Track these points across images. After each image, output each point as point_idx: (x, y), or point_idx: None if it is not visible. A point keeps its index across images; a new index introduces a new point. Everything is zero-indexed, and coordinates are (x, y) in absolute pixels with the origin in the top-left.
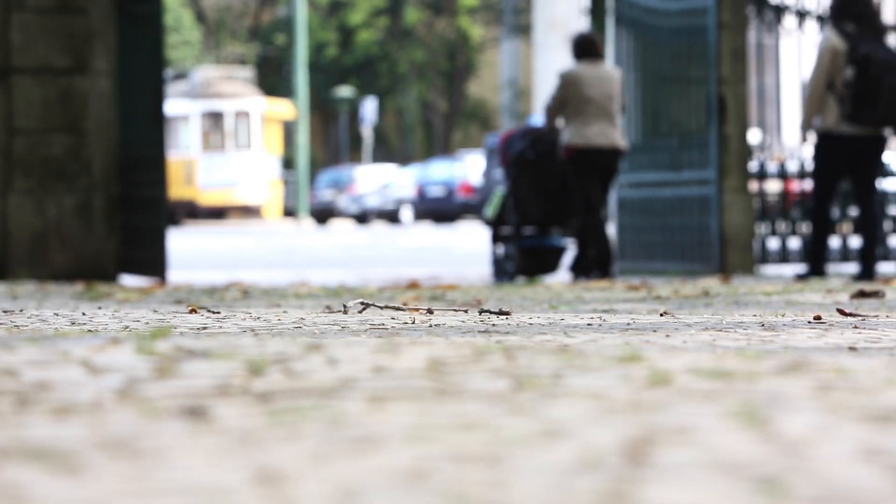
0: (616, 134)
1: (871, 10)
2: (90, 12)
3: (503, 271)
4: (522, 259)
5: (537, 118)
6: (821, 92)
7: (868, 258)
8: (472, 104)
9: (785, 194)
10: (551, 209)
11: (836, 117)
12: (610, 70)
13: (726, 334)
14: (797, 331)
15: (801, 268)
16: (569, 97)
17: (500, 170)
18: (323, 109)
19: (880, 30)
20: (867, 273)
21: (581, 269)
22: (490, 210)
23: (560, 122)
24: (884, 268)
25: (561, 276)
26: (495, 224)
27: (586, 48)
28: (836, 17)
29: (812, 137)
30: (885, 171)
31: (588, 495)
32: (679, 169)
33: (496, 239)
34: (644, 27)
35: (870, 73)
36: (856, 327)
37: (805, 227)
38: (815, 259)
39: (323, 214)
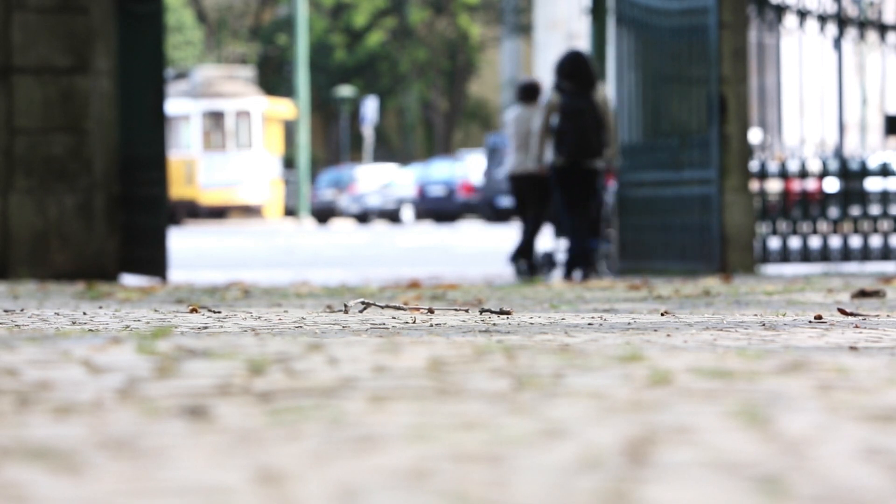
0: (530, 162)
1: (579, 69)
2: (91, 12)
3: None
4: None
5: None
6: (543, 135)
7: (580, 259)
8: (472, 104)
9: (786, 194)
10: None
11: (553, 153)
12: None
13: (727, 334)
14: (798, 330)
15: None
16: (507, 135)
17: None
18: (324, 109)
19: (589, 84)
20: (585, 274)
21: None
22: None
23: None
24: (884, 267)
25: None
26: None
27: (523, 93)
28: (557, 76)
29: (545, 167)
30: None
31: (588, 495)
32: (680, 168)
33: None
34: (645, 27)
35: (566, 119)
36: (857, 327)
37: (806, 227)
38: (588, 262)
39: (324, 214)
